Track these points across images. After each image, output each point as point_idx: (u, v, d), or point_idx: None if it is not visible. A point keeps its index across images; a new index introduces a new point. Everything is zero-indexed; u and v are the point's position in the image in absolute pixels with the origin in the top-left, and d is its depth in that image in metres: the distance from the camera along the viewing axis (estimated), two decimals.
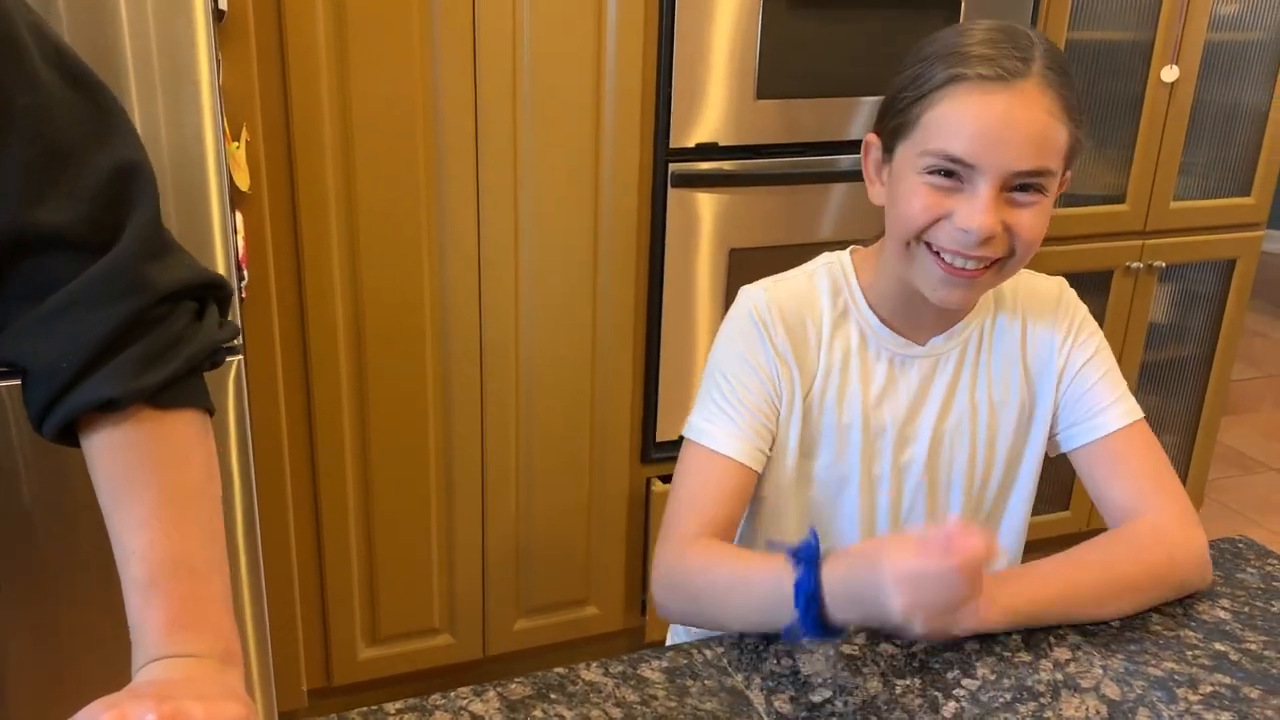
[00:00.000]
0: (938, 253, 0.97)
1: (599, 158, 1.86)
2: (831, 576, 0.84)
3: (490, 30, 1.73)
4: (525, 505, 2.02)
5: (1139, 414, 1.07)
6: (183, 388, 0.76)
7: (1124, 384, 1.09)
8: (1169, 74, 2.26)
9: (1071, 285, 1.14)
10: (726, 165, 1.94)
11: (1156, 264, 2.40)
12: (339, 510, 1.89)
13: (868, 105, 1.98)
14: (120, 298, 0.73)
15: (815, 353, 1.07)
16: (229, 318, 0.83)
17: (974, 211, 0.93)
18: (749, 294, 1.08)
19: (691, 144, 1.90)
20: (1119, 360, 2.57)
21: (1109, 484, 1.05)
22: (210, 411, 0.79)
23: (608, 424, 2.02)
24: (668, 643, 1.31)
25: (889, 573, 0.79)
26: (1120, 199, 2.34)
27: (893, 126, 0.99)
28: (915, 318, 1.07)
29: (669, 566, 1.01)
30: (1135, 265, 2.37)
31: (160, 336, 0.75)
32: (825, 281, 1.09)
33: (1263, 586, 1.03)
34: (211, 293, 0.80)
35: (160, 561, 0.71)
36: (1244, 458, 3.33)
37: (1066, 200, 2.33)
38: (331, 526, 1.90)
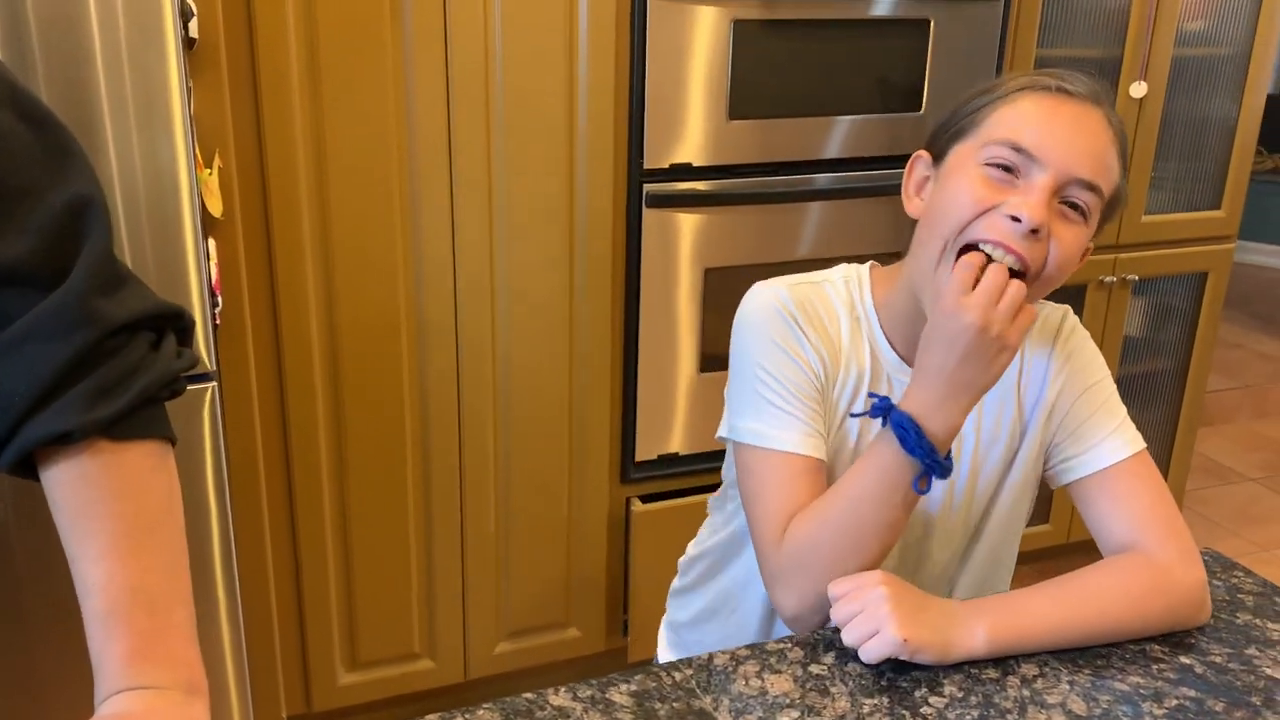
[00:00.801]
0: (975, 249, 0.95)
1: (573, 180, 1.87)
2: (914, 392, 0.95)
3: (463, 52, 1.74)
4: (504, 527, 2.02)
5: (1139, 445, 1.04)
6: (140, 418, 0.76)
7: (1123, 414, 1.06)
8: (1138, 89, 2.29)
9: (1045, 299, 1.11)
10: (701, 185, 1.95)
11: (1130, 277, 2.42)
12: (316, 535, 1.89)
13: (841, 124, 2.00)
14: (72, 331, 0.73)
15: (837, 357, 1.06)
16: (189, 347, 0.83)
17: (1029, 201, 0.93)
18: (768, 289, 1.06)
19: (666, 165, 1.92)
20: None
21: (1107, 520, 1.02)
22: (172, 441, 0.79)
23: (587, 445, 2.02)
24: (659, 658, 1.32)
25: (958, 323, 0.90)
26: None
27: (953, 131, 1.00)
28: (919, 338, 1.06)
29: (784, 565, 0.99)
30: (1109, 279, 2.39)
31: (114, 368, 0.75)
32: (842, 294, 1.08)
33: (1228, 599, 1.04)
34: (169, 323, 0.81)
35: (120, 593, 0.71)
36: (1221, 468, 3.36)
37: None
38: (309, 551, 1.89)
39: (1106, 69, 2.27)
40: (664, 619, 1.38)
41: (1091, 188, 0.95)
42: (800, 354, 1.04)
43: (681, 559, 1.33)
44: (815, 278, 1.10)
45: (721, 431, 1.09)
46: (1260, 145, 2.65)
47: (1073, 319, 1.10)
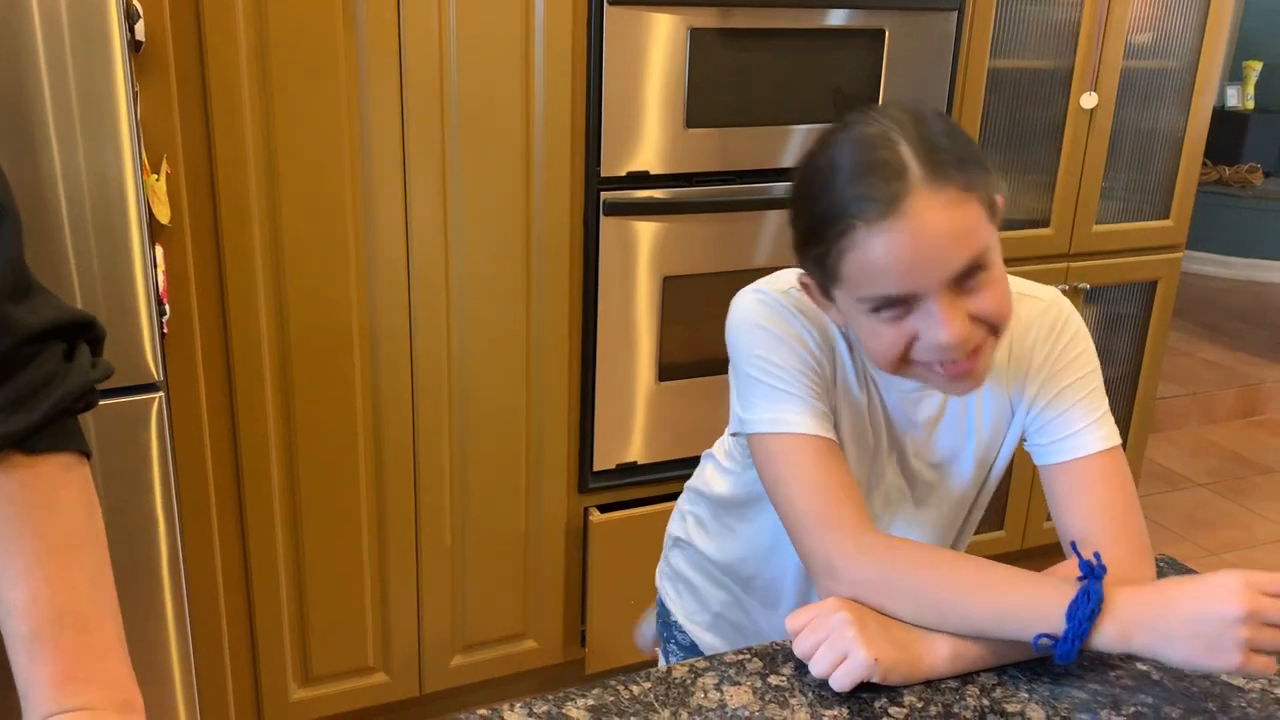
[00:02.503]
0: (928, 363, 0.95)
1: (530, 188, 1.85)
2: (1123, 604, 0.87)
3: (418, 56, 1.72)
4: (460, 538, 1.99)
5: (1114, 441, 1.04)
6: (55, 431, 0.73)
7: (1104, 408, 1.06)
8: (1088, 100, 2.32)
9: (1041, 287, 1.12)
10: (659, 194, 1.94)
11: (1082, 286, 2.45)
12: (267, 547, 1.85)
13: (798, 133, 2.01)
14: None
15: (830, 354, 1.05)
16: (100, 356, 0.80)
17: (939, 327, 0.91)
18: (754, 289, 1.06)
19: (623, 173, 1.91)
20: None
21: (1068, 509, 1.03)
22: (87, 455, 0.76)
23: (544, 454, 2.01)
24: (659, 664, 1.31)
25: (1223, 610, 0.83)
26: (1045, 223, 2.40)
27: (817, 277, 0.97)
28: None
29: (860, 556, 0.95)
30: (1061, 288, 2.42)
31: (26, 379, 0.72)
32: None
33: None
34: (81, 332, 0.78)
35: (45, 614, 0.68)
36: (1171, 474, 3.41)
37: None
38: (260, 564, 1.85)
39: (1058, 80, 2.30)
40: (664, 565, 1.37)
41: (973, 264, 0.91)
42: (795, 336, 1.02)
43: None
44: (794, 278, 1.08)
45: (733, 427, 1.09)
46: (1205, 157, 2.69)
47: (1068, 313, 1.09)
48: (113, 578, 0.73)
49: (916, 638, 0.92)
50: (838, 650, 0.89)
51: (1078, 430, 1.04)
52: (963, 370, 0.94)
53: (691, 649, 1.32)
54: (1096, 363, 1.08)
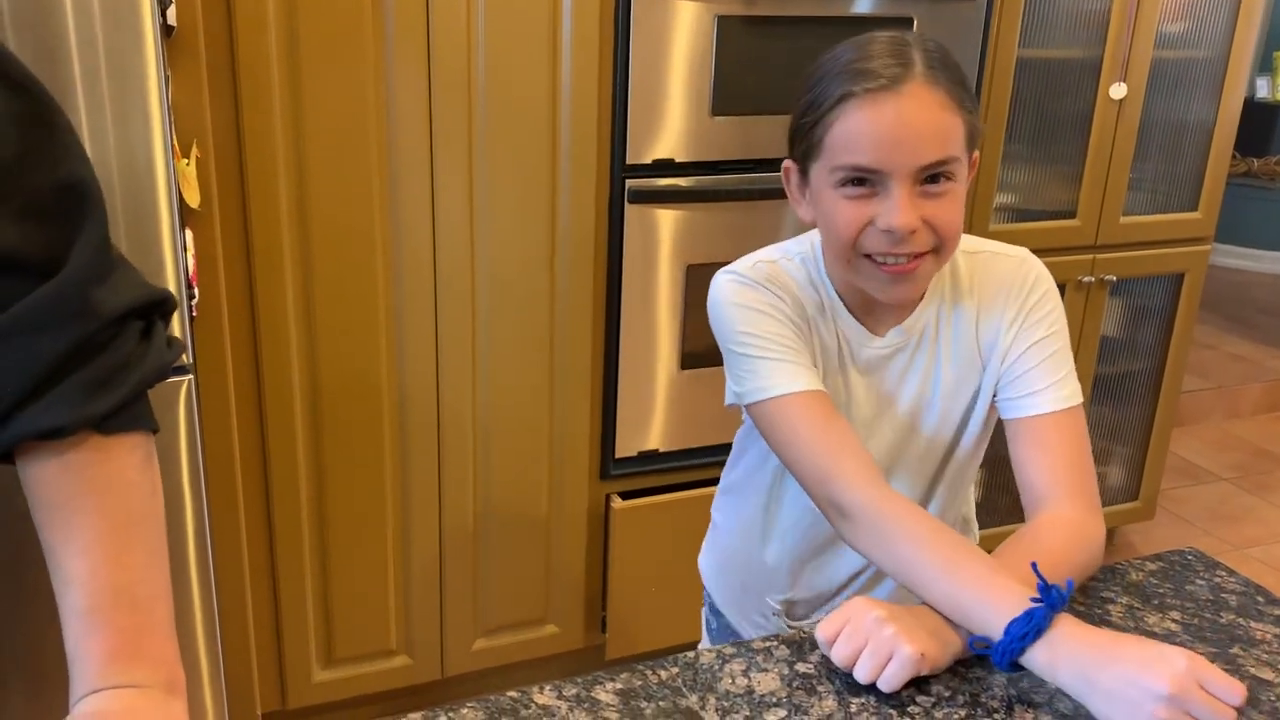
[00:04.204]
0: (872, 257, 1.01)
1: (555, 174, 1.85)
2: (1066, 638, 0.86)
3: (445, 44, 1.72)
4: (483, 523, 2.00)
5: (1075, 400, 1.08)
6: (129, 412, 0.74)
7: (1069, 368, 1.10)
8: (1117, 91, 2.30)
9: (1011, 246, 1.16)
10: (683, 182, 1.94)
11: (1108, 278, 2.43)
12: (293, 530, 1.87)
13: None
14: (67, 322, 0.71)
15: (805, 324, 1.10)
16: (171, 330, 0.81)
17: (893, 211, 0.98)
18: (728, 271, 1.11)
19: (648, 160, 1.91)
20: None
21: (1027, 463, 1.08)
22: (155, 431, 0.77)
23: (566, 441, 2.01)
24: (702, 645, 1.33)
25: (1152, 682, 0.80)
26: (1071, 214, 2.38)
27: (802, 150, 1.04)
28: (874, 304, 1.10)
29: (864, 505, 1.00)
30: (1087, 279, 2.40)
31: (107, 361, 0.73)
32: (799, 271, 1.12)
33: (1211, 598, 1.04)
34: (157, 309, 0.79)
35: (102, 590, 0.69)
36: (1195, 468, 3.39)
37: (1018, 215, 2.37)
38: (285, 547, 1.87)
39: (1087, 70, 2.28)
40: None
41: (942, 163, 0.98)
42: (772, 308, 1.08)
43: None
44: (770, 255, 1.13)
45: (729, 400, 1.14)
46: (1235, 149, 2.67)
47: (1038, 271, 1.13)
48: (168, 558, 0.74)
49: (941, 622, 0.92)
50: (882, 653, 0.87)
51: (1044, 387, 1.09)
52: (903, 270, 1.00)
53: (714, 613, 1.37)
54: (1065, 322, 1.13)
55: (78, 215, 0.73)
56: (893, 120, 0.96)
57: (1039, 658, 0.87)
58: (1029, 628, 0.86)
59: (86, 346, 0.72)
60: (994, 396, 1.13)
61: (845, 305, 1.11)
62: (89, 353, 0.72)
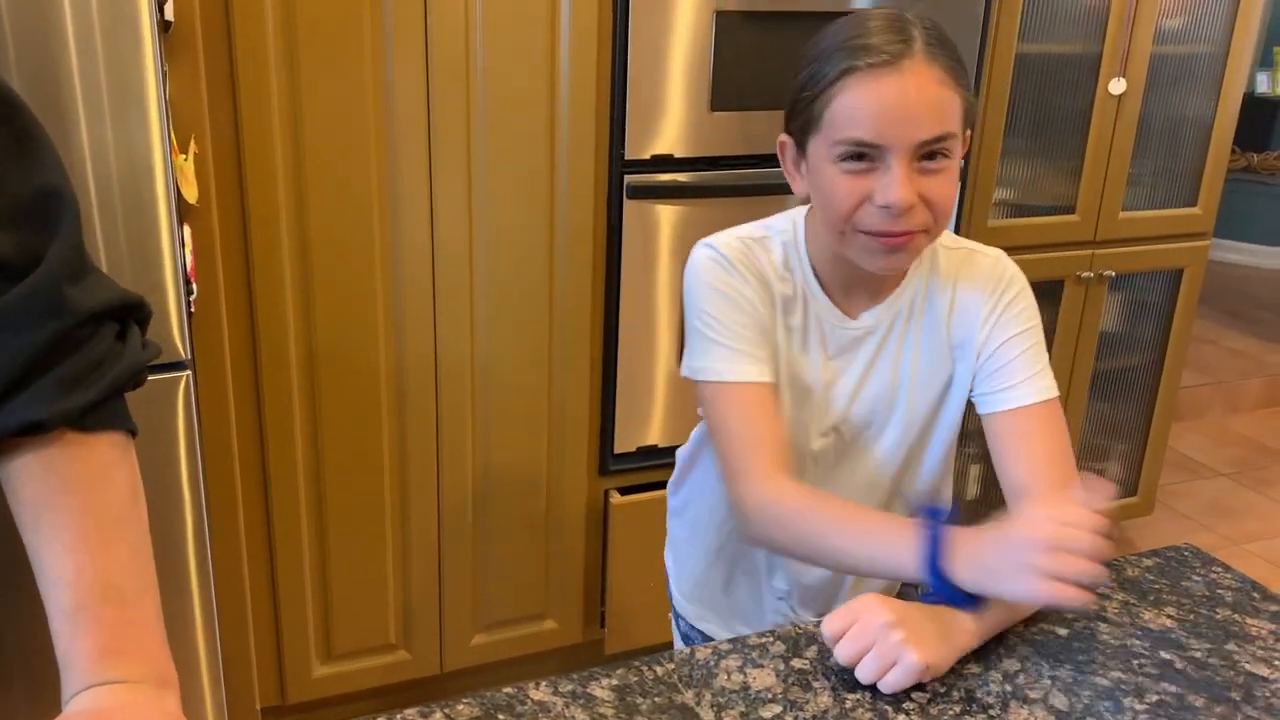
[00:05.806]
0: (868, 232, 1.02)
1: (554, 170, 1.85)
2: (961, 543, 0.91)
3: (443, 40, 1.72)
4: (482, 518, 2.00)
5: (1052, 393, 1.10)
6: (107, 410, 0.75)
7: (1044, 361, 1.11)
8: (1116, 86, 2.30)
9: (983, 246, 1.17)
10: (682, 177, 1.94)
11: (1106, 273, 2.43)
12: (292, 526, 1.87)
13: None
14: (42, 320, 0.72)
15: (773, 309, 1.12)
16: (147, 337, 0.82)
17: (891, 186, 0.98)
18: (708, 244, 1.12)
19: (647, 156, 1.90)
20: (1072, 370, 2.58)
21: (1008, 458, 1.09)
22: (133, 433, 0.78)
23: (565, 436, 2.01)
24: (675, 645, 1.34)
25: (1025, 539, 0.86)
26: (1070, 209, 2.38)
27: (800, 124, 1.04)
28: (852, 286, 1.12)
29: (762, 502, 1.04)
30: (1086, 275, 2.40)
31: (83, 358, 0.74)
32: (779, 251, 1.13)
33: (1207, 594, 1.05)
34: (132, 314, 0.80)
35: (89, 587, 0.69)
36: (1193, 463, 3.39)
37: (1017, 210, 2.36)
38: (284, 542, 1.87)
39: (1086, 65, 2.28)
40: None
41: (941, 139, 0.99)
42: (739, 294, 1.09)
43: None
44: (758, 231, 1.14)
45: (683, 372, 1.15)
46: (1234, 144, 2.66)
47: (1006, 267, 1.14)
48: (153, 554, 0.75)
49: (949, 627, 0.92)
50: (887, 658, 0.88)
51: (1021, 381, 1.10)
52: (898, 243, 1.01)
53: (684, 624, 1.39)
54: (1039, 318, 1.14)
55: (54, 222, 0.74)
56: (895, 95, 0.97)
57: (959, 573, 0.91)
58: (933, 547, 0.91)
59: (63, 343, 0.73)
60: (970, 392, 1.14)
61: (822, 286, 1.12)
62: (65, 349, 0.73)
